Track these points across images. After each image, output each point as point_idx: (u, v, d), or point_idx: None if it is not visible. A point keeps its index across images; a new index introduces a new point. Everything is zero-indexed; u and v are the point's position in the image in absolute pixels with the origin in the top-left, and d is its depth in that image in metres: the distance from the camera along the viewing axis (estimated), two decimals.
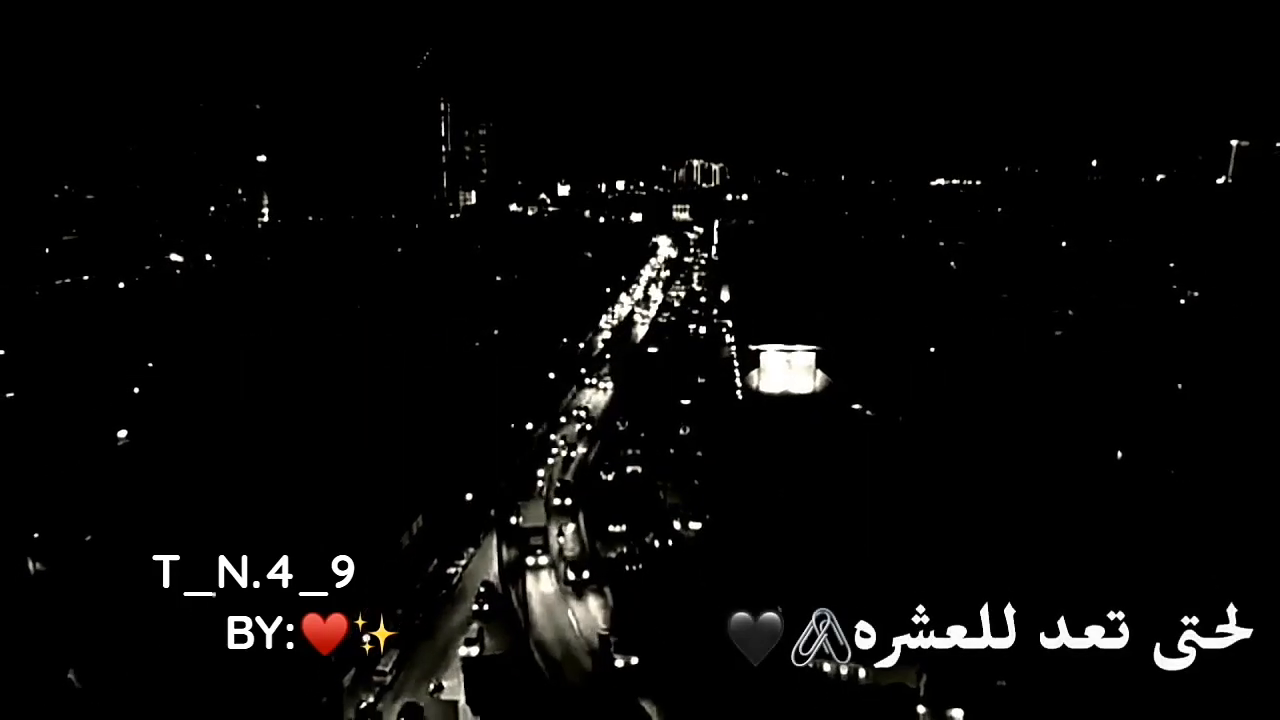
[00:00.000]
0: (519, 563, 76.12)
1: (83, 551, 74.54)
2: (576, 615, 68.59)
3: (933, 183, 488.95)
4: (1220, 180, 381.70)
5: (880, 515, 74.23)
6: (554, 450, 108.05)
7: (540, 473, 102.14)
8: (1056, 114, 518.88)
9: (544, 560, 75.72)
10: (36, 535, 75.57)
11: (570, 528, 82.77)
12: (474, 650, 64.98)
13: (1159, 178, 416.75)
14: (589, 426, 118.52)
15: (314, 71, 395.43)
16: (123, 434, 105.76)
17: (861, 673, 56.41)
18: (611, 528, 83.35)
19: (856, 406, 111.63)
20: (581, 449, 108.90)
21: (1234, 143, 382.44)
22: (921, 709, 55.71)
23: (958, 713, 55.06)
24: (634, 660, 58.72)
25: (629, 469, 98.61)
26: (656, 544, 79.47)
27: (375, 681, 62.39)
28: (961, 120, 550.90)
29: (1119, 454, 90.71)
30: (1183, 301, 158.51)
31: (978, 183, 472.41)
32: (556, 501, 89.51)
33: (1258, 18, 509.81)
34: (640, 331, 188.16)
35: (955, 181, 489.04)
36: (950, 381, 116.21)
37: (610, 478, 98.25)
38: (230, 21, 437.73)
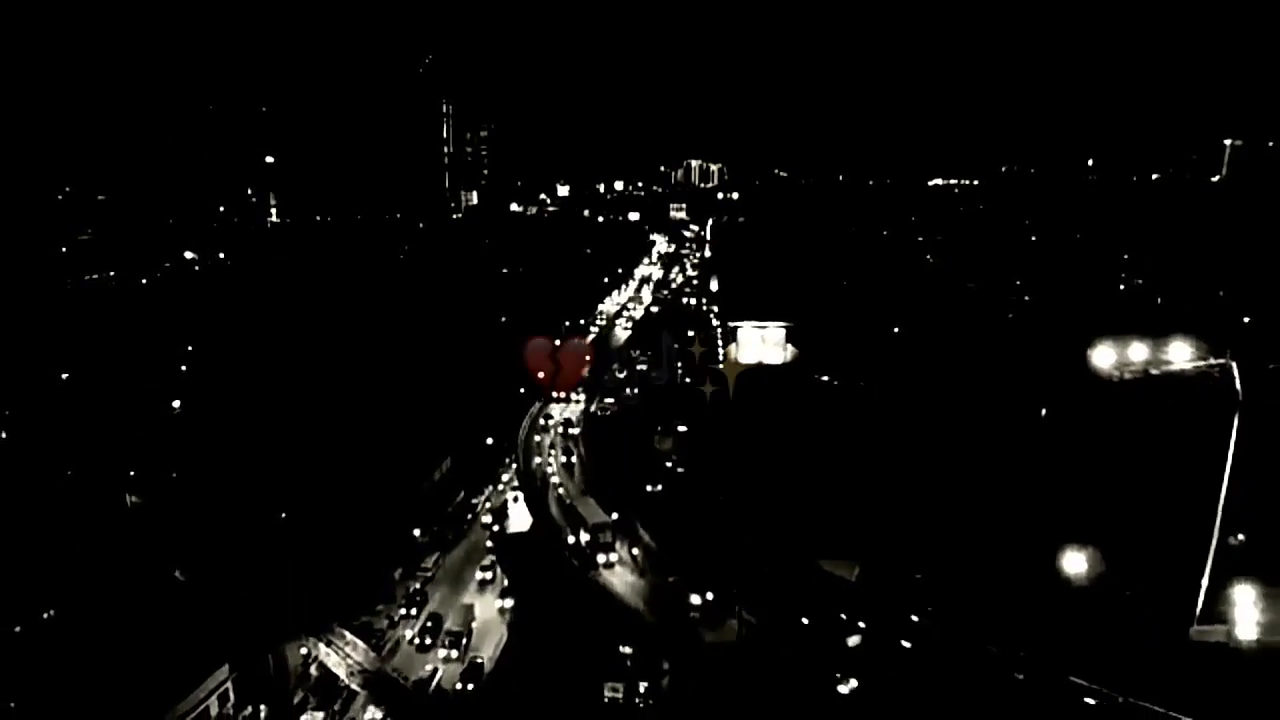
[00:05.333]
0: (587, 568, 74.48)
1: (171, 486, 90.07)
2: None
3: (930, 183, 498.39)
4: (1214, 178, 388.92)
5: (840, 466, 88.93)
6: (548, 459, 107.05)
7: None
8: (1053, 115, 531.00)
9: (614, 558, 73.67)
10: (132, 473, 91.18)
11: (637, 551, 76.55)
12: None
13: (1154, 176, 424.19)
14: (573, 430, 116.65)
15: (319, 75, 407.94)
16: (176, 403, 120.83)
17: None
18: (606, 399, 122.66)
19: (825, 379, 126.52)
20: (576, 456, 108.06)
21: (1227, 142, 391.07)
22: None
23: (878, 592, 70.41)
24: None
25: (637, 368, 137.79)
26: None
27: (419, 574, 78.09)
28: (960, 121, 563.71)
29: (1043, 413, 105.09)
30: (1122, 288, 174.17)
31: (974, 182, 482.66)
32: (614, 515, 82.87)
33: (1252, 19, 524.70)
34: (624, 335, 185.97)
35: (952, 181, 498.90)
36: (909, 356, 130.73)
37: (622, 376, 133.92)
38: (238, 26, 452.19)
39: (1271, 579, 50.20)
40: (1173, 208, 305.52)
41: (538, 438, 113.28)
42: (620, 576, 71.89)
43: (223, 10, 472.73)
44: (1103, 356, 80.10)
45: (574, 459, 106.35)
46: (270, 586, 66.68)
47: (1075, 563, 51.42)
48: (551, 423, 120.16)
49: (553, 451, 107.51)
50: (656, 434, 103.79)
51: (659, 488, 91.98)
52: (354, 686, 61.15)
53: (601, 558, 72.79)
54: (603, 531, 74.80)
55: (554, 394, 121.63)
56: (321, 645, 62.72)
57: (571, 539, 76.40)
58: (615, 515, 77.89)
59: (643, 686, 60.63)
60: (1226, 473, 57.85)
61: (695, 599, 64.83)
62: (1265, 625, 48.61)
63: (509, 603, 75.03)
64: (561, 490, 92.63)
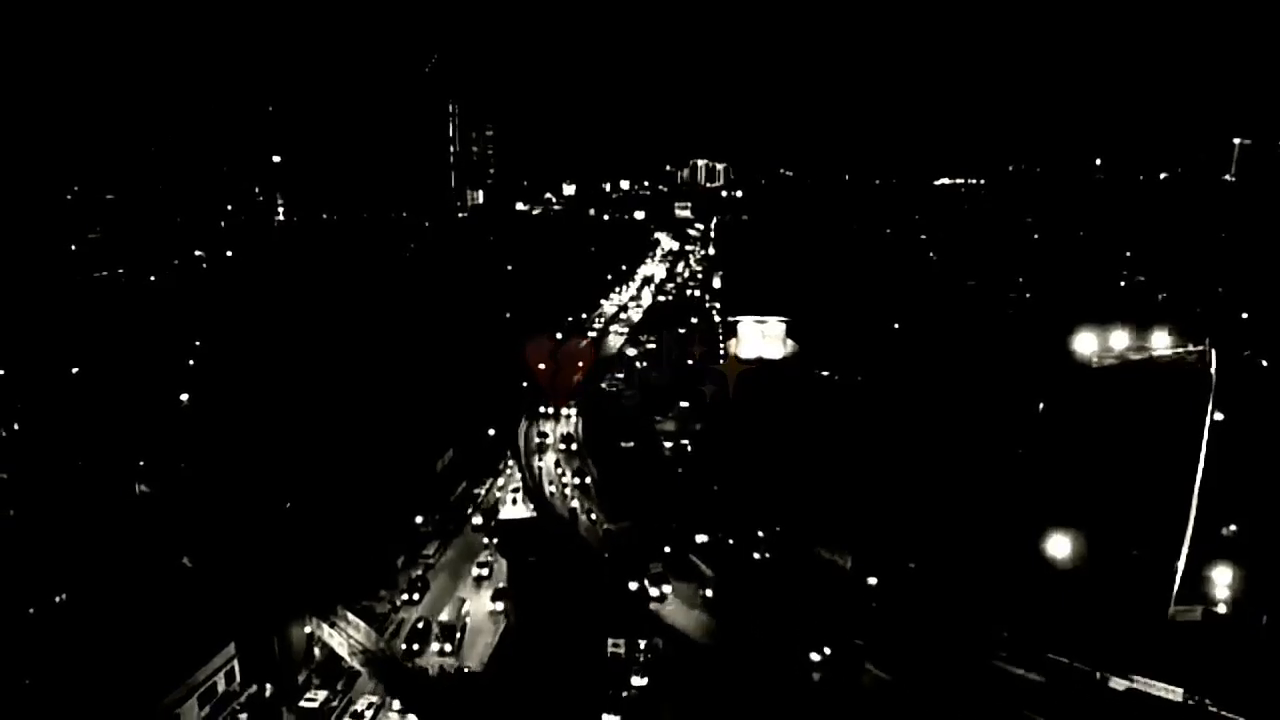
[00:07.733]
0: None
1: (179, 475, 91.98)
2: None
3: (936, 182, 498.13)
4: (1227, 177, 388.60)
5: (837, 456, 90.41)
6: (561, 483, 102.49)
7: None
8: (1061, 114, 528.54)
9: (668, 589, 72.10)
10: (141, 463, 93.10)
11: (695, 587, 74.60)
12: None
13: (1161, 176, 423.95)
14: (572, 446, 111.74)
15: (326, 75, 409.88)
16: (185, 397, 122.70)
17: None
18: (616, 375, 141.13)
19: (824, 373, 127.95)
20: (584, 479, 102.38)
21: (1236, 141, 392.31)
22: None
23: (873, 579, 71.98)
24: None
25: (647, 347, 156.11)
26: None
27: (421, 561, 79.78)
28: (967, 121, 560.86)
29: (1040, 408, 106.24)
30: (1123, 284, 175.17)
31: (981, 182, 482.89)
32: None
33: (1258, 19, 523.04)
34: (618, 342, 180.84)
35: (959, 181, 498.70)
36: (907, 352, 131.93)
37: (632, 353, 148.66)
38: (245, 26, 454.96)
39: (1246, 560, 51.48)
40: (1179, 206, 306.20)
41: (539, 462, 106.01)
42: (692, 617, 68.47)
43: (230, 10, 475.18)
44: (1085, 344, 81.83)
45: (589, 479, 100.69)
46: (276, 570, 68.39)
47: (1059, 546, 52.74)
48: (549, 441, 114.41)
49: (562, 474, 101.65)
50: (667, 416, 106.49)
51: (631, 444, 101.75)
52: (356, 666, 62.84)
53: (655, 590, 70.75)
54: (654, 564, 73.76)
55: (541, 409, 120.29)
56: (325, 626, 64.48)
57: (634, 585, 71.33)
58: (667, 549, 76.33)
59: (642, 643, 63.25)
60: (1201, 457, 59.12)
61: (815, 656, 59.94)
62: (1240, 604, 49.85)
63: (500, 605, 73.05)
64: (593, 516, 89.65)
